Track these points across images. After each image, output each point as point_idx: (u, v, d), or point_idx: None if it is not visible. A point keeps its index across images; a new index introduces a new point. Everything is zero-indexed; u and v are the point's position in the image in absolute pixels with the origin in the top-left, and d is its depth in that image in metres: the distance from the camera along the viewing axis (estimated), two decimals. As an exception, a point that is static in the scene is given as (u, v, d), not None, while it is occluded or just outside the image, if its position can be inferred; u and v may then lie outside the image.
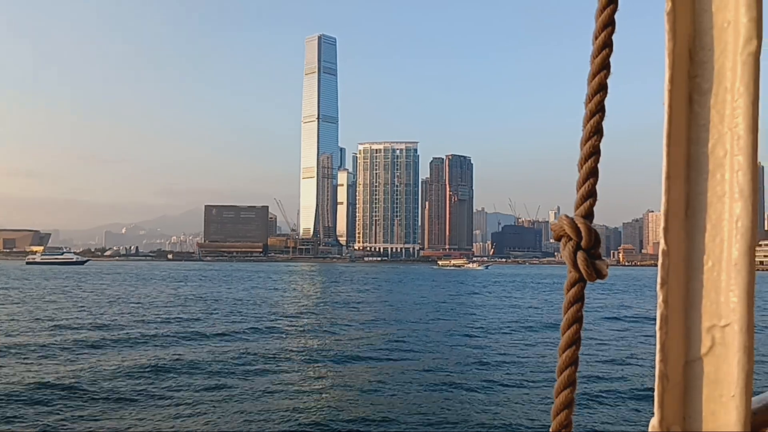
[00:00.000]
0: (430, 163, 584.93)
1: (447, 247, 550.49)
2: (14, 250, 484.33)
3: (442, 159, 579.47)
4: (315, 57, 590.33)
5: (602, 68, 1.54)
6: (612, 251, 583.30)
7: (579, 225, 1.55)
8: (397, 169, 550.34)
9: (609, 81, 1.52)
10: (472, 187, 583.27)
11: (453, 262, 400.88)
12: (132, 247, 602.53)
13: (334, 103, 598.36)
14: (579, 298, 1.51)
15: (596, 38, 1.52)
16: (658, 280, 1.56)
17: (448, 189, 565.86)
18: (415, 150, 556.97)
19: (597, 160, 1.58)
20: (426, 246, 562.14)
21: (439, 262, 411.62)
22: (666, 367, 1.49)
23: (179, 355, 33.42)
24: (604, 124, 1.54)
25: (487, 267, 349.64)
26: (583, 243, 1.55)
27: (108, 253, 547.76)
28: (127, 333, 42.40)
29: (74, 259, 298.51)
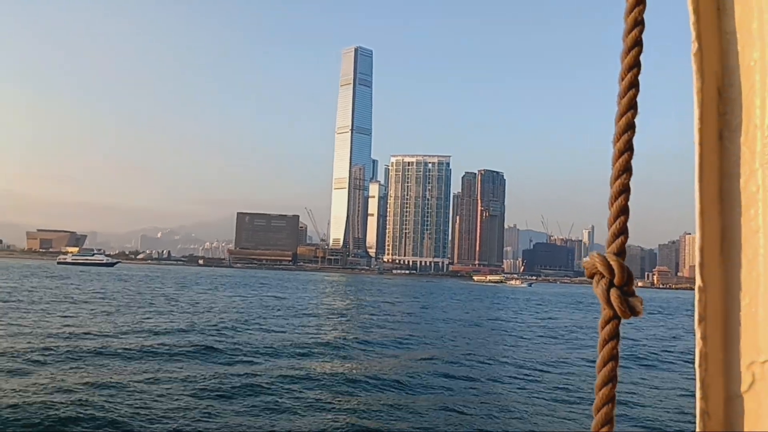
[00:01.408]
0: (462, 177, 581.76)
1: (477, 262, 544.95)
2: (50, 250, 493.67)
3: (475, 174, 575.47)
4: (351, 69, 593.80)
5: (629, 108, 1.59)
6: (647, 273, 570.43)
7: (611, 262, 1.53)
8: (428, 183, 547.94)
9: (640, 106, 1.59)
10: (504, 202, 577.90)
11: (489, 278, 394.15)
12: (164, 252, 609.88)
13: (368, 114, 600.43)
14: (614, 336, 1.52)
15: (624, 57, 1.56)
16: (696, 316, 1.61)
17: (479, 204, 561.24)
18: (448, 164, 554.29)
19: (627, 198, 1.57)
20: (455, 261, 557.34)
21: (475, 278, 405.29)
22: (707, 405, 1.52)
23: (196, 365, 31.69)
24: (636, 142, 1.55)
25: (530, 285, 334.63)
26: (616, 280, 1.54)
27: (141, 256, 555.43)
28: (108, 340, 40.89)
29: (104, 261, 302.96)
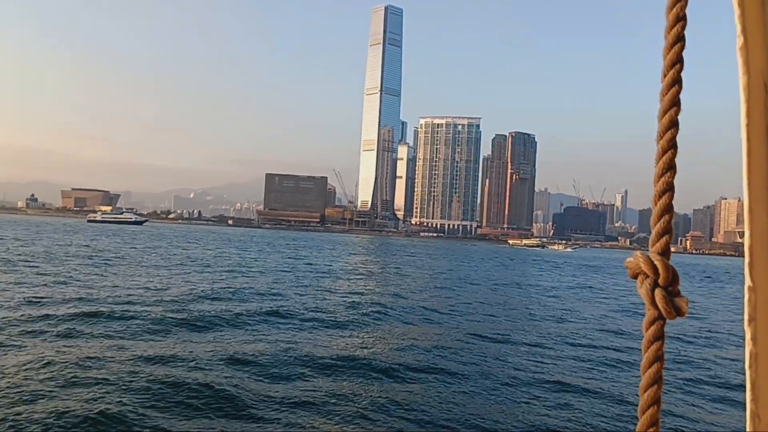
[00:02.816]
0: (493, 139, 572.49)
1: (505, 226, 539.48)
2: (84, 208, 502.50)
3: (505, 136, 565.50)
4: (381, 28, 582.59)
5: (673, 83, 1.50)
6: (680, 238, 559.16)
7: (656, 262, 1.50)
8: (458, 145, 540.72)
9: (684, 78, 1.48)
10: (534, 165, 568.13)
11: (525, 241, 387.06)
12: (195, 211, 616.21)
13: (398, 75, 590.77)
14: (659, 337, 1.62)
15: (668, 33, 1.50)
16: (745, 316, 1.60)
17: (509, 167, 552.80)
18: (478, 126, 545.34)
19: (671, 197, 1.53)
20: (484, 224, 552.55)
21: (510, 241, 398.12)
22: (757, 407, 1.54)
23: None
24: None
25: (575, 249, 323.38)
26: (660, 281, 1.51)
27: (171, 216, 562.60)
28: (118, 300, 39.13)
29: (132, 219, 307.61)
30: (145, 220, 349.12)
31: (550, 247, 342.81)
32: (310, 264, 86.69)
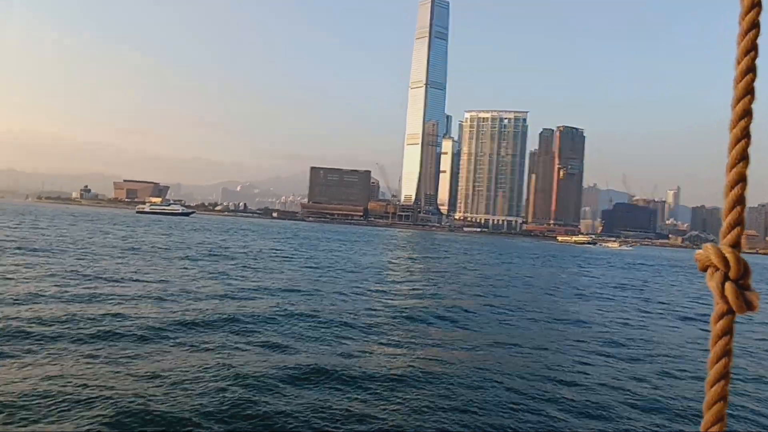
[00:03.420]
0: (540, 134, 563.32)
1: (552, 222, 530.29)
2: (135, 200, 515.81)
3: (552, 130, 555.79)
4: (427, 21, 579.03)
5: (746, 93, 1.47)
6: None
7: (727, 255, 1.44)
8: (503, 139, 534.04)
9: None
10: (583, 160, 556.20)
11: (575, 238, 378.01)
12: (241, 204, 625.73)
13: (443, 69, 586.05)
14: (728, 331, 1.56)
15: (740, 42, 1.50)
16: None
17: (556, 162, 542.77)
18: (524, 120, 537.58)
19: (744, 188, 1.51)
20: (529, 220, 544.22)
21: (559, 238, 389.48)
22: None
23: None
24: None
25: (630, 246, 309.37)
26: (731, 273, 1.46)
27: (218, 208, 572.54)
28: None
29: (180, 211, 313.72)
30: (193, 212, 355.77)
31: (604, 244, 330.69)
32: (354, 258, 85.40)
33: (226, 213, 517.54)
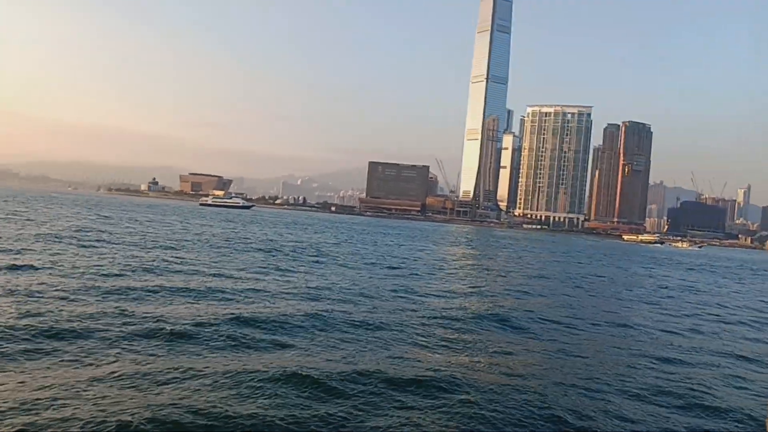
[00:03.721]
0: (604, 129, 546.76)
1: (615, 220, 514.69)
2: (199, 192, 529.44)
3: (618, 126, 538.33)
4: (489, 15, 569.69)
5: None
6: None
7: None
8: (566, 135, 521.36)
9: None
10: (649, 157, 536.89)
11: (641, 237, 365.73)
12: (300, 198, 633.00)
13: (505, 63, 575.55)
14: None
15: None
16: None
17: (621, 158, 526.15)
18: (588, 115, 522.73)
19: None
20: (592, 217, 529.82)
21: (624, 237, 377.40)
22: None
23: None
24: None
25: (700, 247, 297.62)
26: None
27: (278, 201, 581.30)
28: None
29: (240, 204, 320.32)
30: (252, 205, 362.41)
31: (673, 244, 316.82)
32: (408, 254, 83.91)
33: (285, 206, 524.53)
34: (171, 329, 22.64)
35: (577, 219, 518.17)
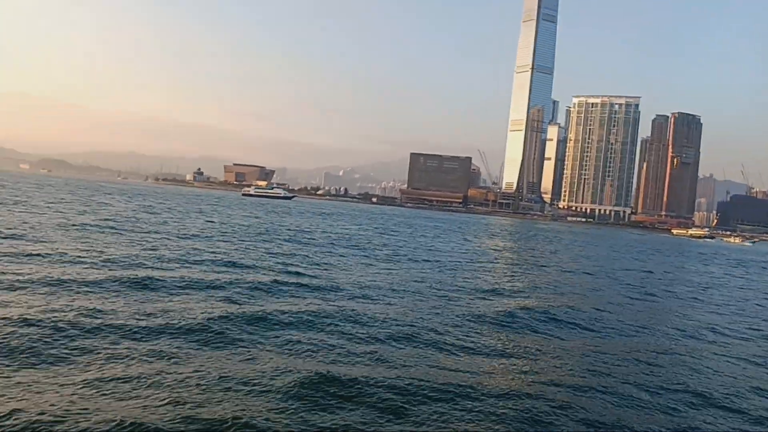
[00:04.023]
0: (653, 120, 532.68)
1: (663, 213, 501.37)
2: (243, 183, 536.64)
3: (667, 117, 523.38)
4: (535, 4, 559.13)
5: None
6: None
7: None
8: (613, 126, 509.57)
9: None
10: (699, 149, 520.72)
11: (690, 231, 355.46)
12: (341, 188, 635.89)
13: (551, 52, 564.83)
14: None
15: None
16: None
17: (670, 150, 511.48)
18: (636, 105, 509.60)
19: None
20: (639, 210, 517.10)
21: (674, 231, 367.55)
22: None
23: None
24: None
25: (753, 242, 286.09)
26: None
27: (320, 192, 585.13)
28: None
29: (282, 194, 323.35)
30: (294, 196, 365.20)
31: (725, 239, 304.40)
32: (447, 247, 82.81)
33: (327, 197, 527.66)
34: (197, 324, 22.08)
35: (624, 212, 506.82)
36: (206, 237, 59.10)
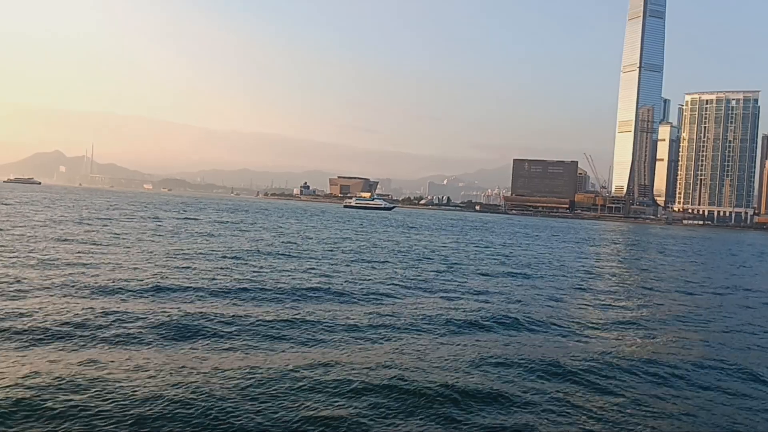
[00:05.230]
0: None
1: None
2: (347, 194, 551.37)
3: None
4: (641, 0, 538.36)
5: None
6: None
7: None
8: (731, 123, 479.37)
9: None
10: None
11: None
12: (444, 197, 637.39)
13: (660, 50, 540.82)
14: None
15: None
16: None
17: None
18: (756, 100, 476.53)
19: None
20: (762, 211, 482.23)
21: None
22: None
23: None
24: None
25: None
26: None
27: (423, 201, 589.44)
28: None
29: (382, 205, 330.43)
30: (394, 206, 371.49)
31: None
32: (549, 255, 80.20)
33: (429, 206, 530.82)
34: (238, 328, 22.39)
35: (745, 213, 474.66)
36: (283, 254, 63.80)
